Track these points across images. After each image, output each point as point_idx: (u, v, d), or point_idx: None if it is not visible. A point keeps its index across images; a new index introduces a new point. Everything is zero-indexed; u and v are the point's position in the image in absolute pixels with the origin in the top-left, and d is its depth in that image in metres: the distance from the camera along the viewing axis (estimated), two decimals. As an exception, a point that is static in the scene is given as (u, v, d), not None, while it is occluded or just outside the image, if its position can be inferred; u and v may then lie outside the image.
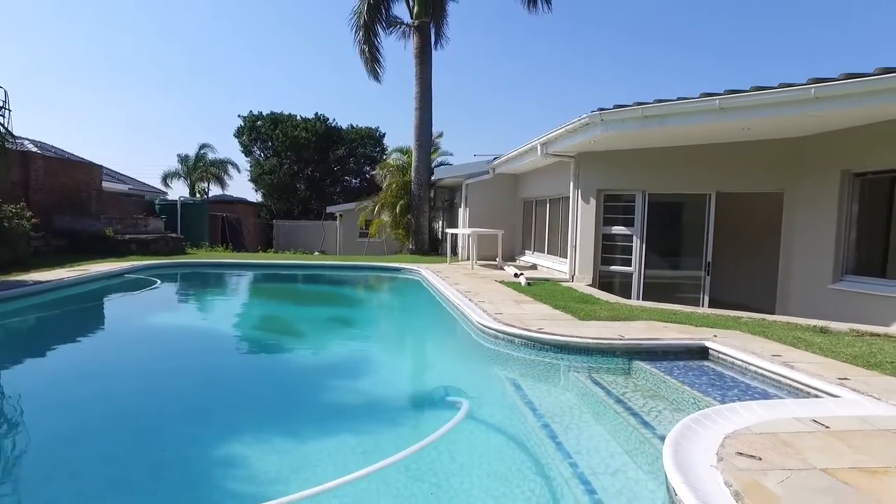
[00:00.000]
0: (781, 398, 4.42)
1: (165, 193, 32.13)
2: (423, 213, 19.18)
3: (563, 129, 10.08)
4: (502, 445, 4.06)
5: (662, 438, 4.10)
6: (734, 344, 5.66)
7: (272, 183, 38.65)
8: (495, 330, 6.57)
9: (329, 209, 30.93)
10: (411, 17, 18.96)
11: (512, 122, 62.18)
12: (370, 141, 40.77)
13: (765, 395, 4.61)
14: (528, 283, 11.26)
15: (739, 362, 5.24)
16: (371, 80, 19.87)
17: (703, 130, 8.67)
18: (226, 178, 40.18)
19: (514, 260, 16.70)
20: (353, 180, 40.92)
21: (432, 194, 20.33)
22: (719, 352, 5.55)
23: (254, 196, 41.14)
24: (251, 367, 6.67)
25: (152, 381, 5.64)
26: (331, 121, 39.72)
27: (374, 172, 22.04)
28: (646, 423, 4.36)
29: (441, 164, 20.64)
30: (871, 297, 8.00)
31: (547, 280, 11.84)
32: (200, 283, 14.42)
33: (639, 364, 5.52)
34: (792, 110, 7.20)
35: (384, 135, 41.25)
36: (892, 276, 8.16)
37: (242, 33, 60.42)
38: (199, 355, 7.08)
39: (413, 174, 19.01)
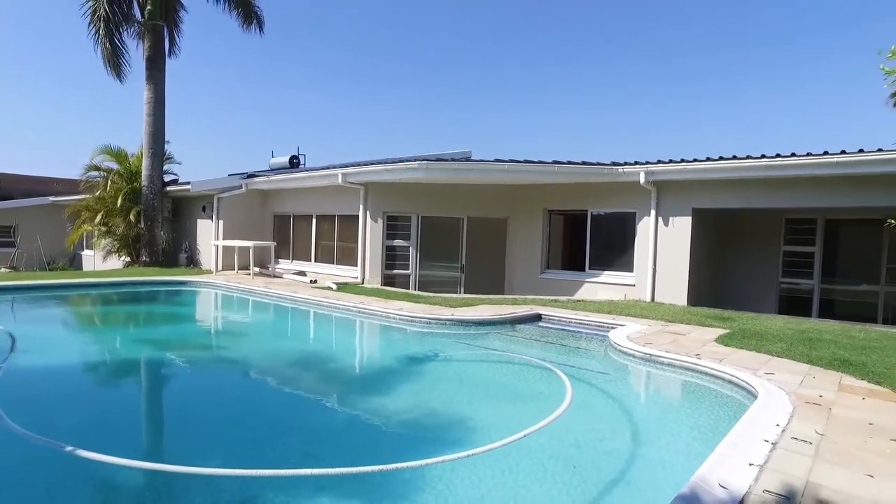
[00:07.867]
0: (604, 333, 9.08)
1: None
2: (158, 223, 18.40)
3: (383, 168, 13.22)
4: (505, 363, 7.52)
5: (577, 349, 8.38)
6: (548, 310, 10.36)
7: None
8: (428, 319, 9.61)
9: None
10: (142, 17, 17.90)
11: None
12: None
13: (589, 331, 9.30)
14: (336, 287, 13.91)
15: (564, 318, 9.95)
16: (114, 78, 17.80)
17: (480, 179, 13.34)
18: None
19: (267, 268, 18.27)
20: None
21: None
22: (549, 315, 10.15)
23: None
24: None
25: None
26: None
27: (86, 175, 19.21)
28: (563, 345, 8.52)
29: (167, 171, 19.72)
30: (558, 280, 14.19)
31: (346, 283, 14.62)
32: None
33: (519, 326, 9.64)
34: (543, 176, 12.56)
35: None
36: (558, 268, 14.69)
37: None
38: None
39: (146, 182, 18.01)
